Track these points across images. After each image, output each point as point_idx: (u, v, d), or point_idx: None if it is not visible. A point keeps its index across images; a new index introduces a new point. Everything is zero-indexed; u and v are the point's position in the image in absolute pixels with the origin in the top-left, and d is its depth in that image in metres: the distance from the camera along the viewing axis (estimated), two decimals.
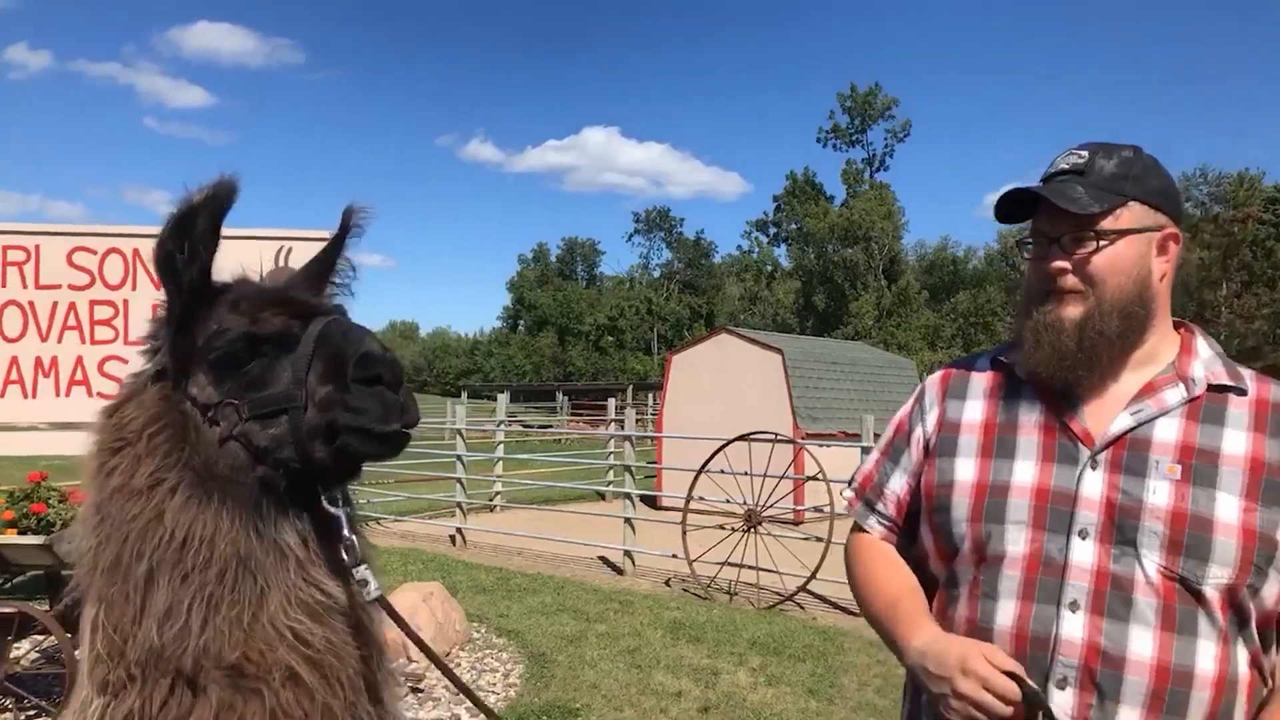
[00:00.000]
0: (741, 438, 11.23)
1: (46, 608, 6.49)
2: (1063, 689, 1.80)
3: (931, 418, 2.13)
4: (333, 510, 1.72)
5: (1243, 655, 1.80)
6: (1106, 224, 1.89)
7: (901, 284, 67.89)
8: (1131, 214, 1.91)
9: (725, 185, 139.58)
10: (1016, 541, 1.89)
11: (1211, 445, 1.84)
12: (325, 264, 1.99)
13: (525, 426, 35.45)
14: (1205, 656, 1.76)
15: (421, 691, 7.30)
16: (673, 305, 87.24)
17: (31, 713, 6.40)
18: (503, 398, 23.01)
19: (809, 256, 72.99)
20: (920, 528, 2.10)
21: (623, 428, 15.93)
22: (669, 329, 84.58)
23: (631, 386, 51.22)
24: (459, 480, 15.04)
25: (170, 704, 1.61)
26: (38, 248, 7.42)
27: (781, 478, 10.97)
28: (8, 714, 6.52)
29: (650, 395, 44.28)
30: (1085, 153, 1.96)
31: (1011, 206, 2.01)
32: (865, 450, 10.60)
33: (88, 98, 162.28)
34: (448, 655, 8.19)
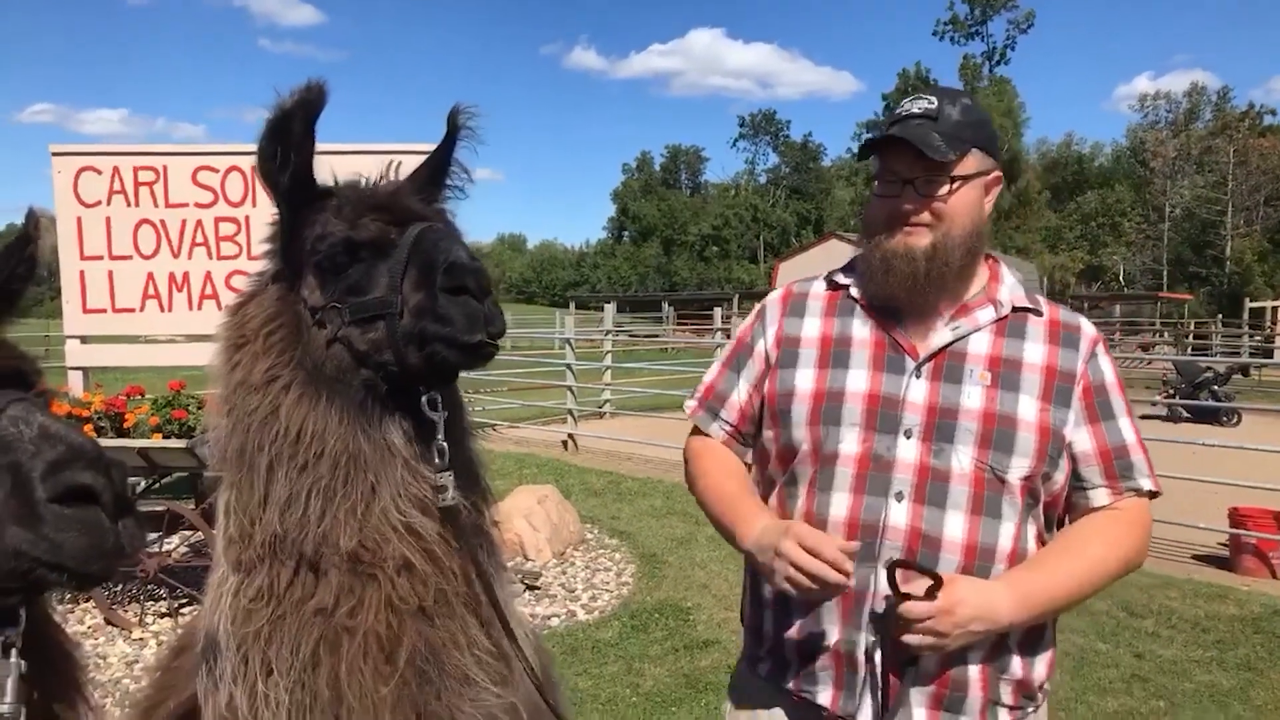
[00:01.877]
0: None
1: (192, 506, 6.96)
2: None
3: (771, 332, 2.34)
4: (431, 415, 1.75)
5: (1032, 532, 2.12)
6: (957, 169, 2.11)
7: (1021, 184, 64.81)
8: (973, 160, 2.14)
9: (836, 85, 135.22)
10: (850, 441, 2.13)
11: (1015, 356, 2.15)
12: (436, 167, 1.98)
13: (632, 336, 35.73)
14: (1005, 535, 2.06)
15: (538, 589, 7.59)
16: (779, 212, 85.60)
17: (184, 601, 6.93)
18: (609, 308, 23.21)
19: None
20: (763, 434, 2.30)
21: (729, 336, 15.88)
22: (775, 236, 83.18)
23: (738, 296, 50.80)
24: (569, 388, 15.40)
25: (295, 584, 1.72)
26: (165, 168, 7.73)
27: None
28: (162, 602, 7.08)
29: (756, 304, 43.77)
30: (934, 99, 2.16)
31: (870, 145, 2.19)
32: None
33: (205, 21, 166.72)
34: (563, 555, 8.48)
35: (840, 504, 2.11)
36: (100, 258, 7.65)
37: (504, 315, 1.75)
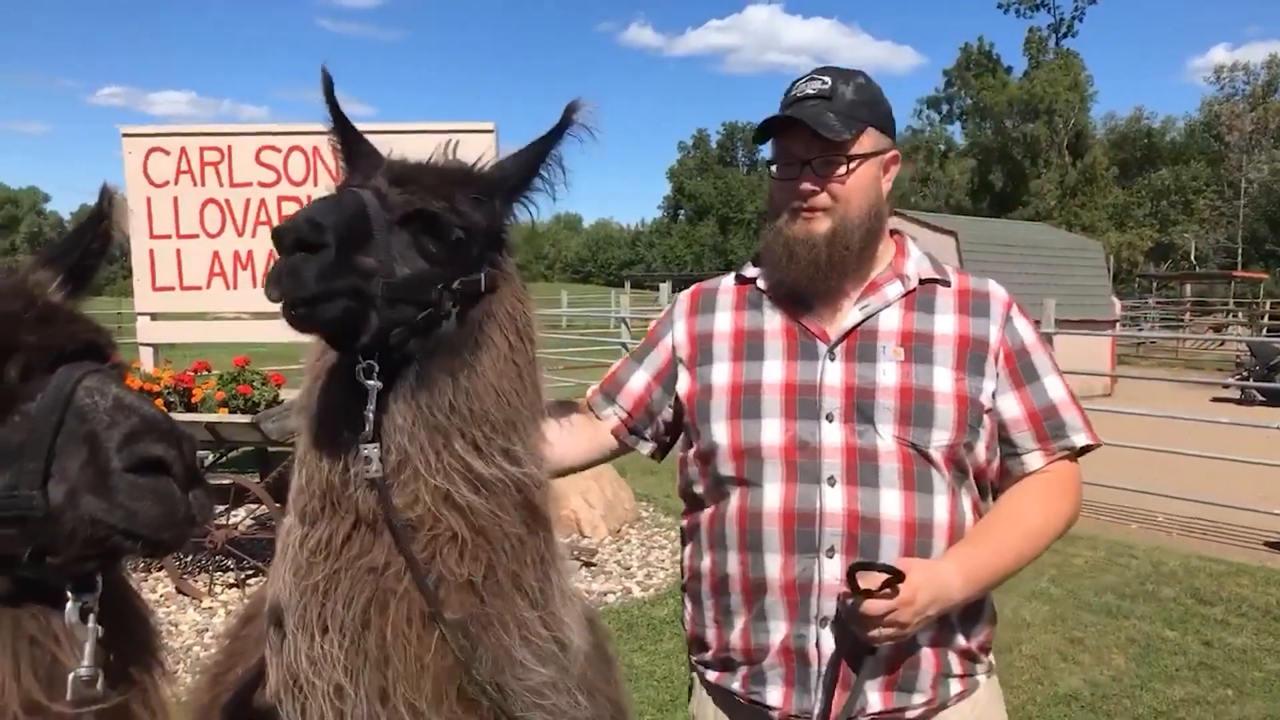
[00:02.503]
0: None
1: (258, 480, 7.13)
2: (831, 557, 2.05)
3: (681, 329, 2.35)
4: (366, 383, 1.72)
5: (967, 503, 2.12)
6: (854, 149, 2.10)
7: (1088, 160, 63.00)
8: (870, 139, 2.13)
9: (897, 60, 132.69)
10: (773, 431, 2.12)
11: (926, 329, 2.14)
12: (537, 155, 1.94)
13: None
14: (940, 508, 2.06)
15: (594, 565, 7.65)
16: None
17: (250, 572, 7.12)
18: (665, 287, 23.12)
19: (985, 133, 68.73)
20: (684, 434, 2.33)
21: None
22: None
23: None
24: None
25: (353, 539, 1.76)
26: (230, 148, 7.89)
27: None
28: (230, 573, 7.28)
29: None
30: (828, 78, 2.14)
31: (767, 128, 2.15)
32: (1045, 337, 10.11)
33: (268, 3, 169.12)
34: (618, 532, 8.52)
35: (773, 495, 2.09)
36: (169, 236, 7.85)
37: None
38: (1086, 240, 26.09)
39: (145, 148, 7.89)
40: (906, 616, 1.90)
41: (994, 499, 2.21)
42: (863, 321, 2.15)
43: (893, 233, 2.29)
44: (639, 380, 2.37)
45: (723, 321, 2.29)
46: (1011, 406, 2.13)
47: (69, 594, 1.29)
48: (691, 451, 2.26)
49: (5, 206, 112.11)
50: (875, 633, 1.92)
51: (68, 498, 1.23)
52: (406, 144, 2.05)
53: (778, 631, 2.09)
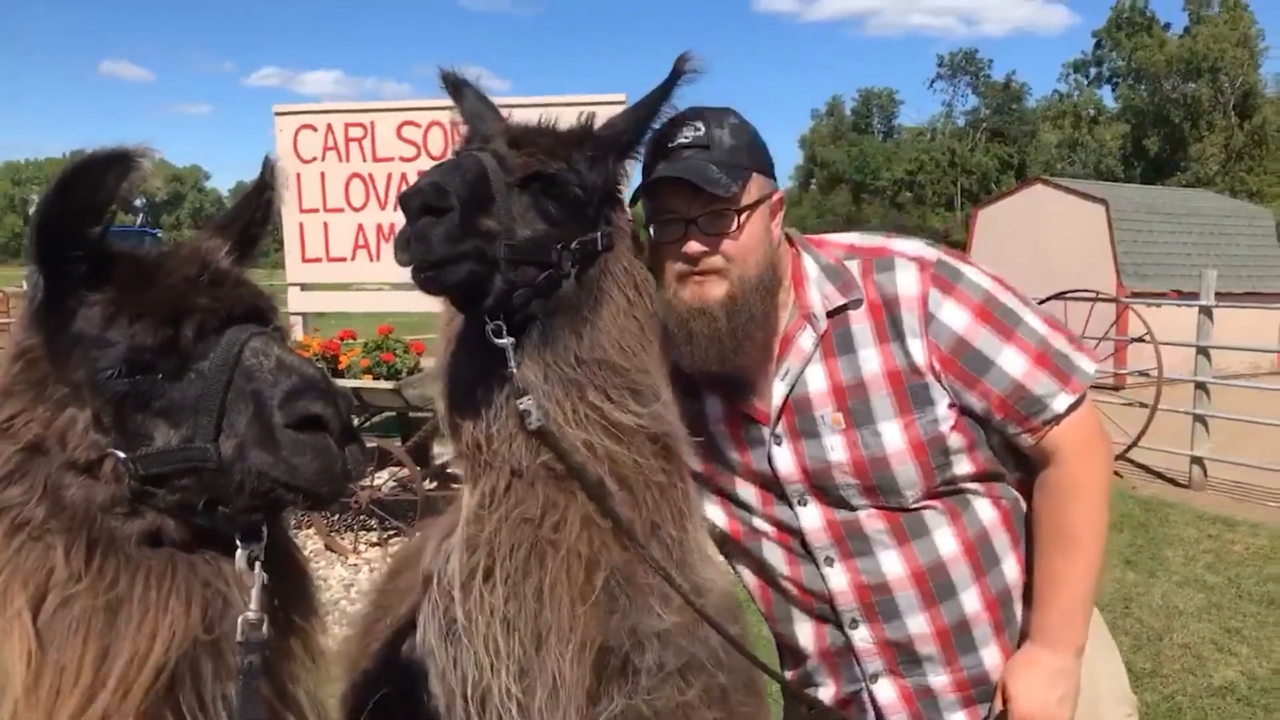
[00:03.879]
0: (1056, 296, 10.45)
1: (400, 443, 7.44)
2: (855, 628, 2.03)
3: None
4: (497, 342, 1.77)
5: (980, 506, 2.00)
6: (743, 200, 1.89)
7: (1257, 121, 58.55)
8: (755, 185, 1.92)
9: (1048, 19, 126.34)
10: (758, 518, 2.08)
11: (855, 377, 1.95)
12: (649, 111, 1.95)
13: None
14: (945, 542, 1.97)
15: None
16: (979, 156, 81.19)
17: (392, 532, 7.45)
18: None
19: (1140, 95, 64.72)
20: None
21: None
22: (974, 182, 79.05)
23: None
24: None
25: (511, 491, 1.84)
26: (373, 124, 8.17)
27: (1101, 339, 10.16)
28: (373, 532, 7.63)
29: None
30: (700, 124, 1.92)
31: (648, 187, 1.93)
32: (1203, 310, 9.52)
33: None
34: None
35: (782, 572, 2.09)
36: (316, 210, 8.21)
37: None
38: (1253, 207, 24.33)
39: (295, 125, 8.25)
40: (1060, 712, 1.92)
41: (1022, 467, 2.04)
42: (790, 392, 1.98)
43: (790, 241, 2.08)
44: None
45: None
46: (976, 403, 1.93)
47: (238, 542, 1.38)
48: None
49: (171, 184, 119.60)
50: None
51: (237, 451, 1.31)
52: (538, 117, 2.09)
53: (828, 686, 2.13)
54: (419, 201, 1.63)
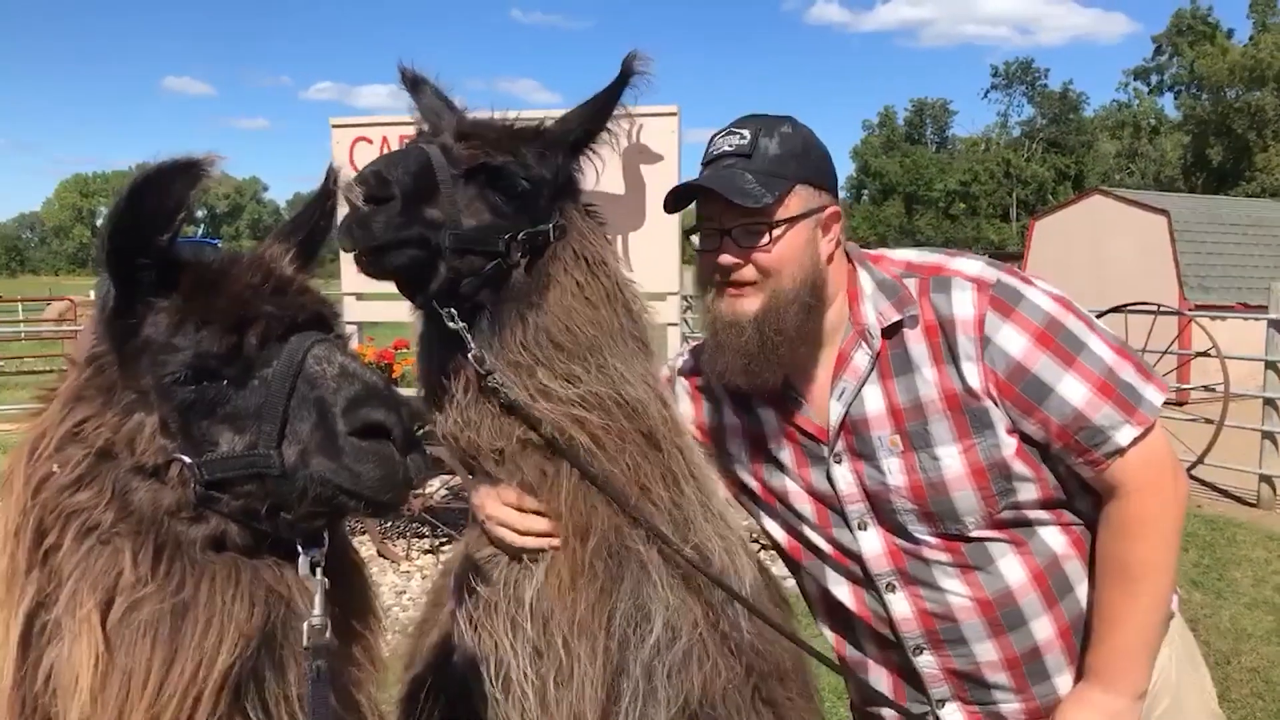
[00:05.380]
0: (1116, 309, 10.22)
1: None
2: (919, 654, 1.98)
3: (688, 412, 2.16)
4: (452, 326, 1.85)
5: (1048, 534, 1.91)
6: (779, 213, 1.84)
7: None
8: (799, 198, 1.87)
9: (1106, 28, 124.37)
10: (820, 539, 2.02)
11: (912, 400, 1.89)
12: (601, 107, 2.01)
13: None
14: (1012, 570, 1.89)
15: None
16: (1034, 166, 79.95)
17: (444, 540, 7.49)
18: None
19: (1202, 104, 63.24)
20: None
21: None
22: (1030, 193, 77.83)
23: (987, 256, 48.17)
24: None
25: (504, 469, 1.93)
26: (384, 139, 8.20)
27: (1164, 353, 9.91)
28: (425, 539, 7.68)
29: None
30: (747, 131, 1.89)
31: (680, 194, 1.94)
32: (1272, 323, 9.23)
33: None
34: None
35: (845, 594, 2.05)
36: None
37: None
38: None
39: (351, 138, 8.35)
40: None
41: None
42: (847, 411, 1.94)
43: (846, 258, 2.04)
44: None
45: (728, 416, 2.12)
46: (1036, 431, 1.86)
47: (300, 548, 1.38)
48: (756, 527, 2.20)
49: (230, 196, 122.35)
50: None
51: (300, 458, 1.32)
52: (493, 112, 2.09)
53: (892, 707, 2.08)
54: (362, 190, 1.71)
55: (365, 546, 7.55)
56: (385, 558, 7.36)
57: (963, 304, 1.86)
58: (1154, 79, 71.73)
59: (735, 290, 1.88)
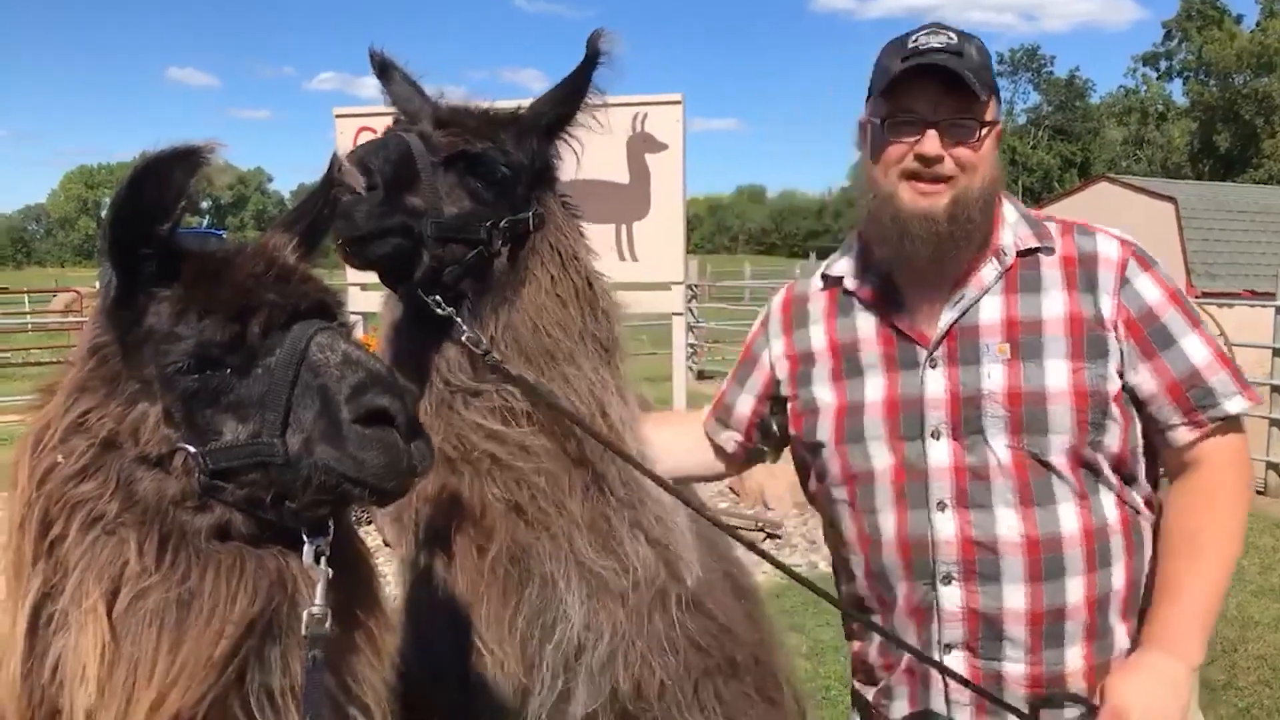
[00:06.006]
0: None
1: None
2: (949, 584, 1.92)
3: (778, 347, 2.19)
4: (439, 312, 1.87)
5: (1107, 500, 1.90)
6: (987, 114, 1.89)
7: None
8: (992, 108, 1.91)
9: (1113, 14, 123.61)
10: (880, 455, 1.98)
11: (1032, 315, 1.91)
12: (571, 91, 2.02)
13: None
14: (1067, 518, 1.87)
15: (779, 538, 7.60)
16: (1040, 154, 79.62)
17: None
18: None
19: (1209, 90, 62.88)
20: (796, 457, 2.20)
21: None
22: (1036, 180, 77.49)
23: None
24: None
25: (437, 475, 1.95)
26: (388, 129, 8.20)
27: None
28: None
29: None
30: (953, 34, 1.90)
31: (888, 80, 1.89)
32: (1279, 311, 9.19)
33: None
34: (803, 505, 8.41)
35: (888, 523, 1.98)
36: None
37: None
38: None
39: (355, 127, 8.31)
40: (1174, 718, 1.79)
41: (1151, 480, 2.00)
42: (961, 317, 1.94)
43: None
44: (745, 405, 2.28)
45: (818, 337, 2.12)
46: (1146, 380, 1.88)
47: (304, 537, 1.38)
48: (806, 473, 2.18)
49: (235, 187, 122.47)
50: None
51: (304, 446, 1.32)
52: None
53: (898, 652, 2.03)
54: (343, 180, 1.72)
55: (372, 536, 7.56)
56: (390, 547, 7.36)
57: (1108, 247, 1.95)
58: (1163, 65, 71.29)
59: (927, 185, 1.89)
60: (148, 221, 1.30)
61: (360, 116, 8.62)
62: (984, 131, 1.89)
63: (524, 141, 1.96)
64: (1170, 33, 68.65)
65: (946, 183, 1.89)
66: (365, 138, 8.19)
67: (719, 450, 2.36)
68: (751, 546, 2.23)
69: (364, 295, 8.66)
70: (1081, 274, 1.93)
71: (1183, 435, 1.89)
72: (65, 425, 1.37)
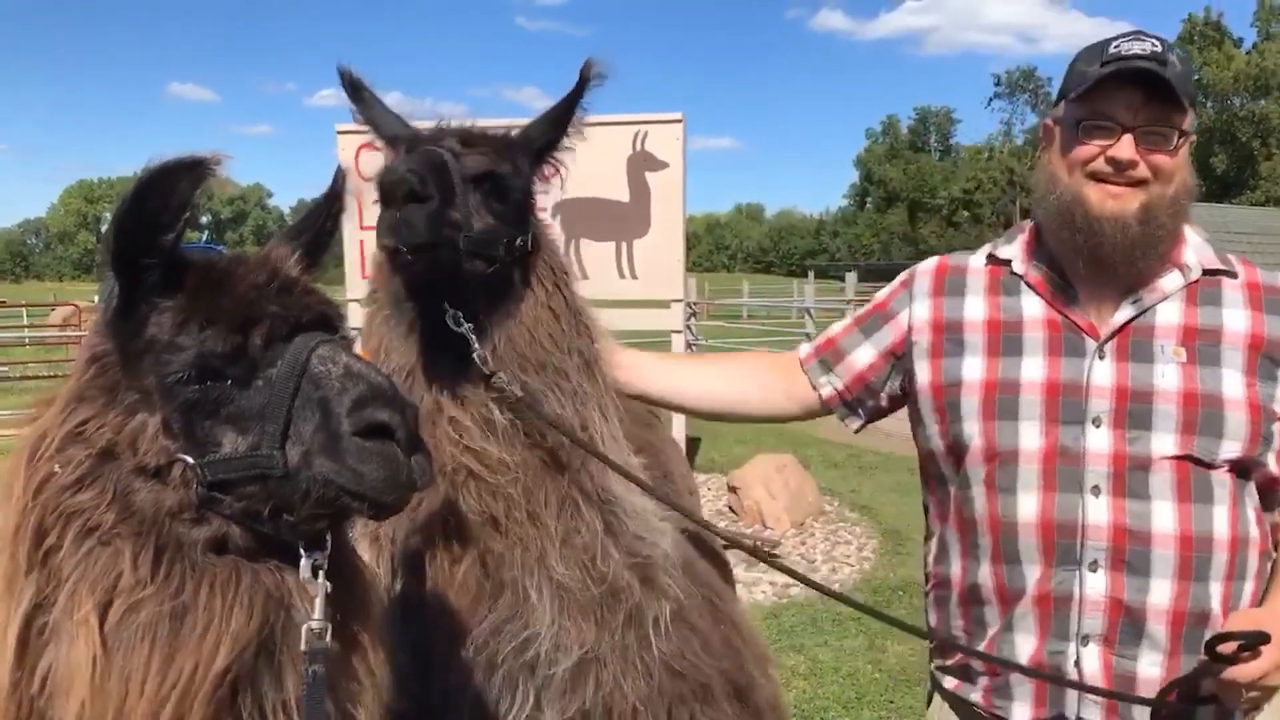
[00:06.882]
0: None
1: None
2: (1095, 571, 1.89)
3: (922, 309, 2.14)
4: (456, 329, 1.90)
5: (1251, 513, 1.92)
6: (1185, 123, 1.91)
7: None
8: (1190, 117, 1.94)
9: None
10: (1031, 436, 1.95)
11: (1213, 324, 1.93)
12: (561, 115, 2.08)
13: None
14: (1220, 520, 1.87)
15: (777, 557, 7.57)
16: (1038, 175, 79.89)
17: None
18: (851, 277, 22.68)
19: (1207, 112, 63.18)
20: (924, 428, 2.12)
21: None
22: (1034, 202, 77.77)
23: None
24: None
25: (433, 492, 1.96)
26: None
27: None
28: None
29: None
30: (1157, 42, 1.91)
31: (1093, 81, 1.91)
32: None
33: (468, 2, 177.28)
34: (802, 525, 8.40)
35: (1029, 504, 1.93)
36: (375, 228, 8.32)
37: None
38: None
39: (357, 144, 8.22)
40: (1277, 680, 1.77)
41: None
42: (1136, 316, 1.95)
43: None
44: (863, 355, 2.21)
45: (974, 308, 2.09)
46: None
47: (302, 551, 1.37)
48: (935, 447, 2.10)
49: (235, 203, 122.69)
50: (1245, 698, 1.80)
51: (303, 459, 1.30)
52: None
53: (1026, 645, 1.96)
54: (406, 188, 1.75)
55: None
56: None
57: None
58: None
59: (1118, 187, 1.91)
60: (152, 231, 1.30)
61: (363, 133, 8.60)
62: (1179, 140, 1.91)
63: (528, 165, 2.04)
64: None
65: (1137, 186, 1.91)
66: (367, 154, 8.27)
67: (806, 392, 2.29)
68: (755, 552, 2.24)
69: (363, 310, 8.69)
70: (1268, 300, 1.96)
71: None
72: (63, 435, 1.35)
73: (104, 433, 1.34)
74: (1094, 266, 1.96)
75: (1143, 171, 1.90)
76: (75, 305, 23.55)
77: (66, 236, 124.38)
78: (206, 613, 1.31)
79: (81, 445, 1.35)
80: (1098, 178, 1.92)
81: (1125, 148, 1.89)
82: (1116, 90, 1.89)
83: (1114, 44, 1.95)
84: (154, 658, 1.29)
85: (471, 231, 1.85)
